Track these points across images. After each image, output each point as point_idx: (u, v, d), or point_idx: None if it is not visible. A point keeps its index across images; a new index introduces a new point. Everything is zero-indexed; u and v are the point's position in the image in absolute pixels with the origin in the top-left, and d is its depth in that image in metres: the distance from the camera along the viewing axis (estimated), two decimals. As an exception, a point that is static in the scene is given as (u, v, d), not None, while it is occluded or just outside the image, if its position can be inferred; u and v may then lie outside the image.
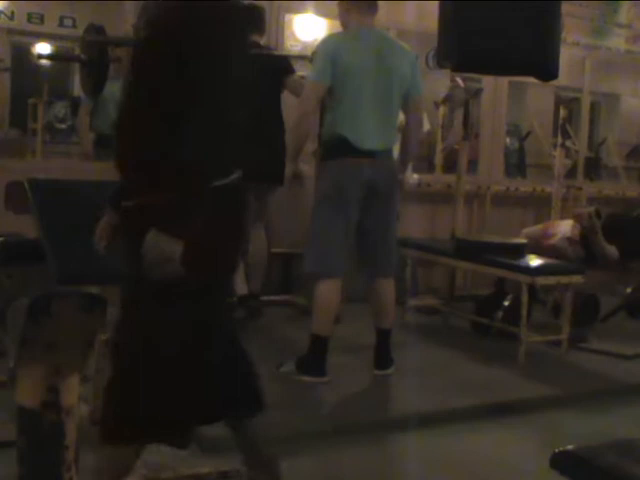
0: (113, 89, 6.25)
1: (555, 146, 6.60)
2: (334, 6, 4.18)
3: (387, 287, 4.05)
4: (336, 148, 3.89)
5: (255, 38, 4.95)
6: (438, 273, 5.88)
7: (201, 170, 2.00)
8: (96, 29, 5.63)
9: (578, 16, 7.17)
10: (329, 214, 3.90)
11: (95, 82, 5.68)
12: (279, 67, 4.98)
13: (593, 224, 4.99)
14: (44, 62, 8.90)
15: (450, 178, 6.34)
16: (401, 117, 4.22)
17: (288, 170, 4.12)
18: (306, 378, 3.88)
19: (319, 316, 3.91)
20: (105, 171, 5.10)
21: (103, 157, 6.70)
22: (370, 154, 3.86)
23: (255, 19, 5.01)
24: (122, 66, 5.72)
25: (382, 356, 4.07)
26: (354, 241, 3.98)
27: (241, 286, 4.88)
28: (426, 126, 6.94)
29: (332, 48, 3.87)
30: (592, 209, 5.12)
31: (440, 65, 4.74)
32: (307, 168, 5.10)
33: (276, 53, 5.51)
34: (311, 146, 4.97)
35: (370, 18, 3.99)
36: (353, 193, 3.86)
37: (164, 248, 1.91)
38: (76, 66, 6.68)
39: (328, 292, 3.90)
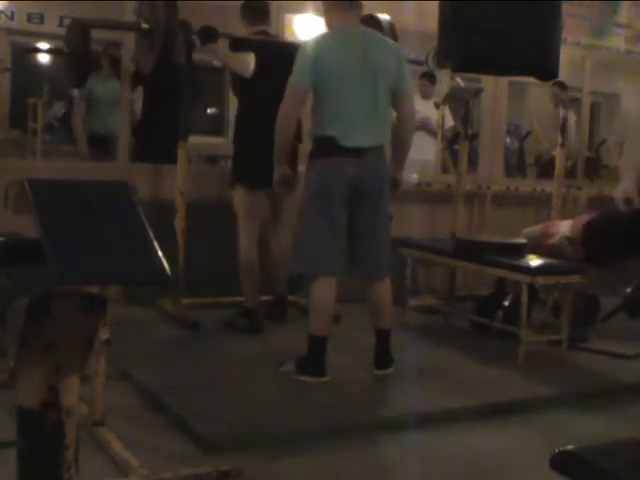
0: (106, 89, 6.29)
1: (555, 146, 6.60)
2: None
3: (382, 290, 4.03)
4: (321, 147, 3.89)
5: (263, 28, 4.92)
6: (438, 273, 5.88)
7: None
8: (81, 25, 5.65)
9: (578, 16, 7.18)
10: (315, 214, 3.89)
11: (77, 74, 5.69)
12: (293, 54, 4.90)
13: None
14: (44, 62, 8.92)
15: (450, 178, 6.35)
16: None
17: (276, 173, 4.08)
18: (306, 378, 3.88)
19: (315, 317, 3.92)
20: (106, 171, 5.12)
21: (96, 156, 6.73)
22: (357, 152, 3.85)
23: (262, 11, 4.97)
24: (121, 67, 5.74)
25: (382, 356, 4.07)
26: (347, 243, 3.97)
27: (250, 297, 4.81)
28: (449, 123, 6.98)
29: (312, 50, 3.87)
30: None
31: (440, 65, 4.75)
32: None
33: (286, 40, 5.47)
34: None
35: (353, 16, 3.98)
36: (338, 193, 3.85)
37: None
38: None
39: (322, 292, 3.90)
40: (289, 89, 3.90)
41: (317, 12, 6.44)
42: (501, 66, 4.29)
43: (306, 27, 7.28)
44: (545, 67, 4.18)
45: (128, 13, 5.43)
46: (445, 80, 6.63)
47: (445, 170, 7.26)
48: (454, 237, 5.37)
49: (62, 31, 8.33)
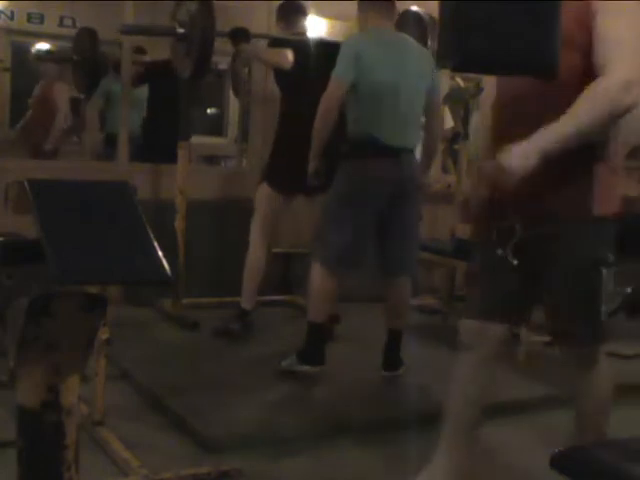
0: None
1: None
2: (334, 6, 4.19)
3: (403, 290, 4.06)
4: (359, 147, 3.88)
5: (301, 29, 4.87)
6: (438, 273, 5.88)
7: None
8: (88, 32, 5.68)
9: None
10: (346, 211, 3.88)
11: (87, 81, 5.72)
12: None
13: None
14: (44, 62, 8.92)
15: (450, 178, 6.35)
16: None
17: (311, 166, 4.06)
18: (306, 368, 3.89)
19: (312, 302, 3.95)
20: (106, 171, 5.13)
21: (113, 156, 6.75)
22: (395, 153, 3.85)
23: (300, 12, 4.91)
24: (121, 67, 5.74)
25: (392, 357, 4.07)
26: (377, 241, 3.99)
27: (248, 299, 4.64)
28: (449, 123, 6.96)
29: (355, 47, 3.87)
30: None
31: (440, 65, 4.74)
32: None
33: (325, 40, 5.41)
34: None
35: (388, 20, 4.02)
36: (373, 193, 3.86)
37: None
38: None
39: (321, 278, 3.90)
40: (333, 82, 3.85)
41: (318, 12, 6.46)
42: (501, 66, 4.30)
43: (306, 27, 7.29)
44: (545, 67, 4.18)
45: (128, 13, 5.44)
46: (445, 80, 6.63)
47: (445, 170, 7.25)
48: (454, 237, 5.37)
49: (62, 31, 8.38)
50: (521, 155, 2.22)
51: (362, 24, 4.05)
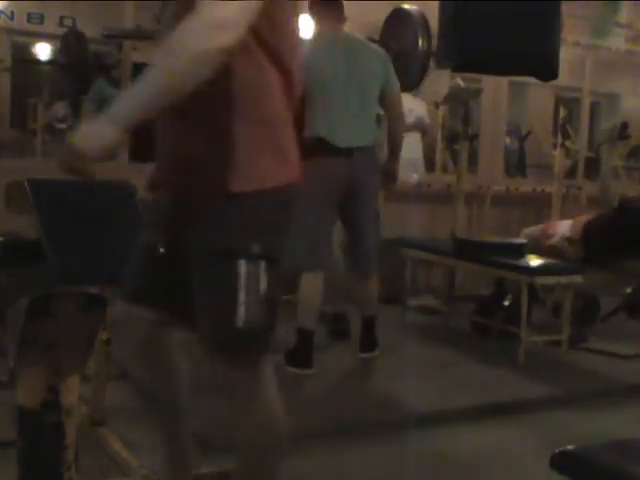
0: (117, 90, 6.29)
1: (555, 146, 6.62)
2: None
3: (370, 285, 4.17)
4: (312, 148, 3.93)
5: None
6: (438, 273, 5.88)
7: None
8: (76, 34, 5.66)
9: (578, 16, 7.18)
10: (304, 213, 3.91)
11: (79, 85, 5.70)
12: None
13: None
14: (44, 62, 8.93)
15: (450, 178, 6.35)
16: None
17: None
18: (294, 370, 3.93)
19: (302, 310, 4.00)
20: (106, 171, 5.13)
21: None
22: (347, 152, 3.93)
23: None
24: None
25: (367, 339, 4.21)
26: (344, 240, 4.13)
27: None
28: (427, 120, 6.97)
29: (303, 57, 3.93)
30: None
31: (440, 65, 4.75)
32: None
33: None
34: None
35: (337, 22, 4.10)
36: (327, 193, 3.93)
37: None
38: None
39: (309, 286, 3.98)
40: None
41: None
42: (501, 66, 4.31)
43: (305, 27, 7.28)
44: (545, 67, 4.18)
45: (128, 14, 5.44)
46: (445, 80, 6.63)
47: (445, 170, 7.26)
48: (454, 237, 5.37)
49: (62, 31, 8.37)
50: (93, 133, 1.80)
51: (315, 27, 4.15)
